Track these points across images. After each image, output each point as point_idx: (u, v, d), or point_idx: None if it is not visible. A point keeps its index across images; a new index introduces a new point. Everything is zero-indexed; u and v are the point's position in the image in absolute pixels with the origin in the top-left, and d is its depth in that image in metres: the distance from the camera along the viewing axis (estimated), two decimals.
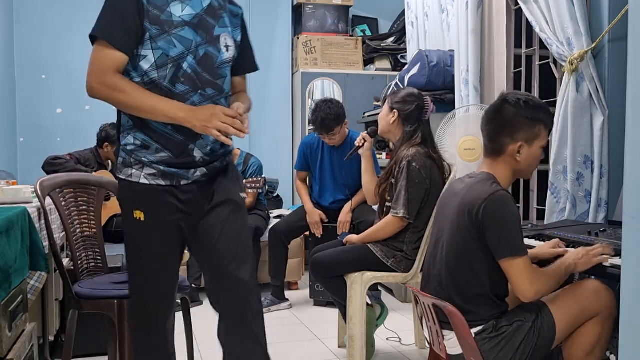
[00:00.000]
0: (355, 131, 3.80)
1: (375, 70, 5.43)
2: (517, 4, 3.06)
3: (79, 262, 2.43)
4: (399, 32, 5.51)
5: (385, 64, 5.49)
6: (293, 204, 5.30)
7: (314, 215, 3.75)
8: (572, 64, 2.62)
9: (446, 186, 2.08)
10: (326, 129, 3.58)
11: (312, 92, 5.27)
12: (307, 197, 3.89)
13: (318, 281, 2.94)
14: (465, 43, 3.47)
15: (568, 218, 2.61)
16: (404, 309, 3.74)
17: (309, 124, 3.70)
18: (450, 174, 2.71)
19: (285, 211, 4.76)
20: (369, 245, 2.65)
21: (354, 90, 5.24)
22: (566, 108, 2.64)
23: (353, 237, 2.76)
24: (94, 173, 3.93)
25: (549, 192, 2.75)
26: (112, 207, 3.89)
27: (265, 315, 3.93)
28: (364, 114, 4.58)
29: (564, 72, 2.70)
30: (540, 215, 2.99)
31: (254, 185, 3.96)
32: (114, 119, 1.90)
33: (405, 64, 4.62)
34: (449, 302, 1.82)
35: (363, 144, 2.92)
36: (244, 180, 3.98)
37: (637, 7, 1.17)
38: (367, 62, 5.49)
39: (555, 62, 2.92)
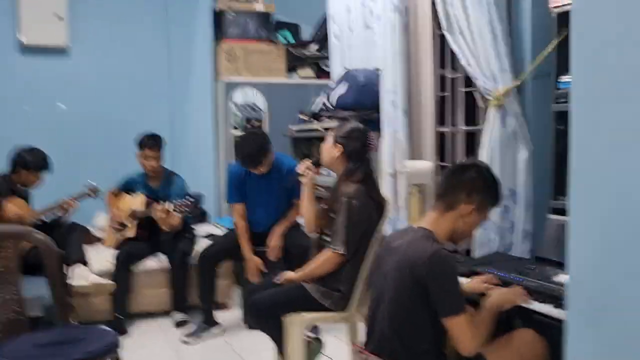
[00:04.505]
0: (283, 154, 3.71)
1: (299, 78, 5.38)
2: (440, 28, 3.09)
3: None
4: (321, 40, 5.47)
5: (308, 72, 5.45)
6: (220, 217, 5.18)
7: (252, 264, 3.62)
8: (498, 99, 2.69)
9: (381, 242, 2.12)
10: (254, 164, 3.50)
11: (236, 101, 5.15)
12: (246, 242, 3.66)
13: (254, 327, 2.86)
14: (392, 64, 3.47)
15: (496, 249, 2.71)
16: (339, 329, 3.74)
17: (235, 144, 3.55)
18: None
19: (212, 227, 4.64)
20: (305, 286, 2.62)
21: (278, 99, 5.15)
22: (493, 142, 2.72)
23: (290, 275, 2.71)
24: (5, 201, 3.67)
25: None
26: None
27: (194, 344, 3.76)
28: (290, 127, 4.51)
29: (487, 106, 2.77)
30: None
31: (183, 209, 3.79)
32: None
33: (328, 72, 4.60)
34: (393, 357, 1.87)
35: (307, 173, 2.85)
36: (171, 204, 3.80)
37: (581, 52, 1.14)
38: (291, 69, 5.43)
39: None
